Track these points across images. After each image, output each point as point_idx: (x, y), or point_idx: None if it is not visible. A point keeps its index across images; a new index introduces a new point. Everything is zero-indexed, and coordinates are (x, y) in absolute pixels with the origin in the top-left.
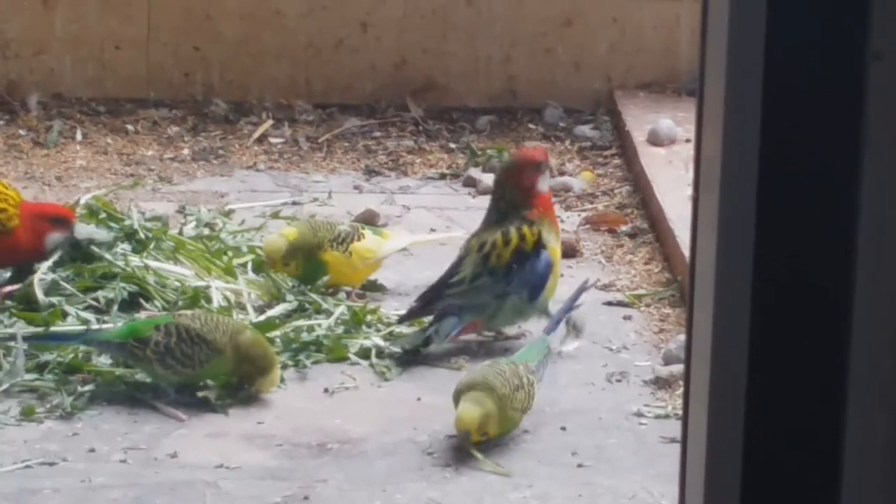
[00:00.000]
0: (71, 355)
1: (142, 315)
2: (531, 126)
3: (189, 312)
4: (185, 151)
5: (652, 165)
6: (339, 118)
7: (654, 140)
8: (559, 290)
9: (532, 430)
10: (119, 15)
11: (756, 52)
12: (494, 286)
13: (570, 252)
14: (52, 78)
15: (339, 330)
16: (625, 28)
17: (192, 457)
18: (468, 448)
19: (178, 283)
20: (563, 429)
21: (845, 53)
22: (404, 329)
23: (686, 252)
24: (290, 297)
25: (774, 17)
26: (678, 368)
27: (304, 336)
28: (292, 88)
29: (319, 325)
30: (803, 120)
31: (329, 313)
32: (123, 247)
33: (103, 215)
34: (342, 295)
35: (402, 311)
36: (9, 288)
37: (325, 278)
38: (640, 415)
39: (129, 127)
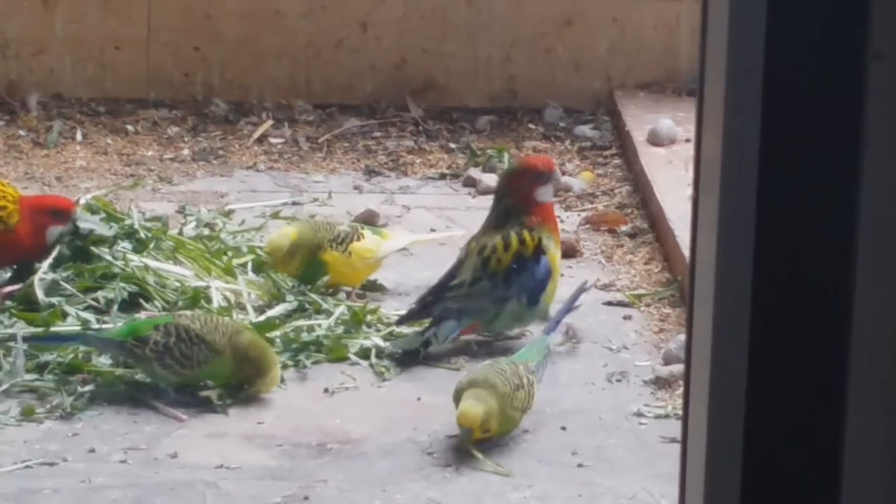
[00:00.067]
0: (71, 355)
1: (142, 315)
2: (531, 126)
3: (189, 313)
4: (185, 151)
5: (652, 165)
6: (339, 118)
7: (654, 140)
8: (559, 291)
9: (532, 429)
10: (119, 15)
11: (756, 52)
12: (494, 291)
13: (570, 252)
14: (52, 78)
15: (339, 330)
16: (625, 28)
17: (192, 457)
18: (469, 445)
19: (178, 284)
20: (564, 429)
21: (845, 53)
22: (403, 330)
23: (686, 252)
24: (290, 297)
25: (774, 17)
26: (678, 368)
27: (304, 336)
28: (292, 88)
29: (319, 325)
30: (803, 120)
31: (329, 313)
32: (123, 246)
33: (103, 215)
34: (342, 295)
35: (402, 311)
36: (9, 288)
37: (325, 278)
38: (640, 415)
39: (129, 127)
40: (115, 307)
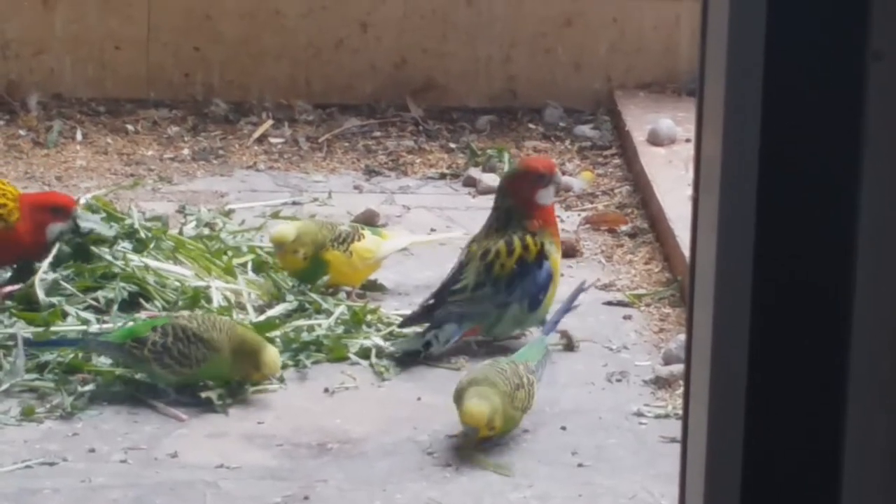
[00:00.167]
0: (71, 355)
1: (142, 315)
2: (531, 126)
3: (186, 313)
4: (185, 151)
5: (652, 165)
6: (339, 118)
7: (654, 140)
8: (558, 291)
9: (532, 429)
10: (119, 15)
11: (756, 52)
12: (496, 296)
13: (570, 252)
14: (52, 78)
15: (339, 330)
16: (625, 28)
17: (192, 457)
18: (473, 444)
19: (178, 283)
20: (564, 428)
21: (845, 53)
22: (404, 331)
23: (686, 252)
24: (290, 296)
25: (774, 17)
26: (678, 368)
27: (304, 336)
28: (292, 88)
29: (319, 325)
30: (803, 120)
31: (329, 313)
32: (123, 246)
33: (103, 215)
34: (342, 295)
35: (402, 311)
36: (9, 288)
37: (325, 278)
38: (640, 414)
39: (129, 127)
40: (115, 307)
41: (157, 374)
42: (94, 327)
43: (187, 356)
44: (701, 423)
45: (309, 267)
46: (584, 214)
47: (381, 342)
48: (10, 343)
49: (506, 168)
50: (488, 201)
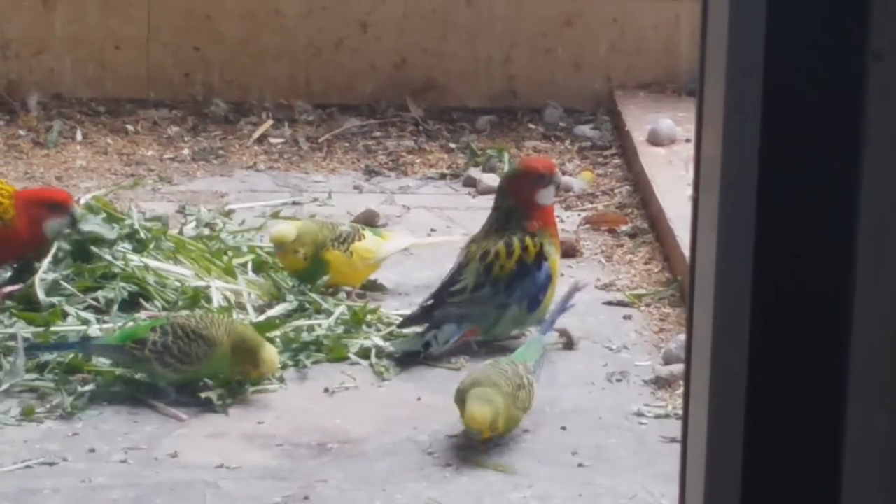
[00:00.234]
0: (71, 355)
1: (142, 315)
2: (531, 126)
3: (184, 313)
4: (185, 151)
5: (652, 165)
6: (339, 118)
7: (654, 140)
8: (557, 291)
9: (532, 429)
10: (119, 15)
11: (756, 52)
12: (496, 297)
13: (570, 252)
14: (52, 78)
15: (340, 330)
16: (625, 28)
17: (192, 457)
18: (476, 446)
19: (178, 284)
20: (564, 428)
21: (845, 53)
22: (404, 331)
23: (686, 252)
24: (290, 296)
25: (774, 17)
26: (678, 368)
27: (305, 336)
28: (292, 88)
29: (319, 325)
30: (803, 120)
31: (329, 313)
32: (124, 247)
33: (103, 215)
34: (342, 295)
35: (403, 311)
36: (9, 288)
37: (325, 278)
38: (640, 414)
39: (129, 127)
40: (115, 307)
41: (159, 373)
42: (94, 327)
43: (188, 354)
44: (701, 423)
45: (309, 267)
46: (584, 214)
47: (381, 342)
48: (11, 343)
49: (506, 168)
50: (488, 201)
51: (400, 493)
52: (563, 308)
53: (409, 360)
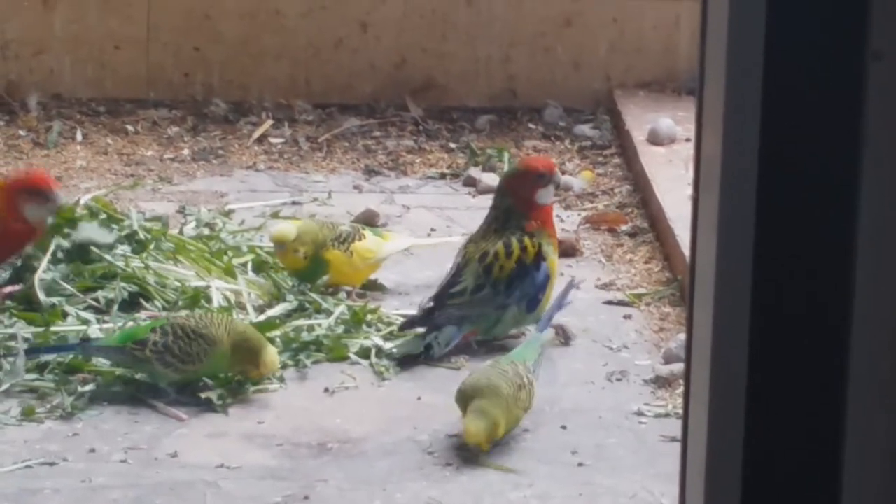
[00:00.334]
0: (71, 355)
1: (142, 315)
2: (531, 126)
3: (184, 314)
4: (185, 151)
5: (652, 165)
6: (338, 118)
7: (654, 139)
8: (555, 290)
9: (532, 429)
10: (119, 15)
11: (756, 51)
12: (496, 298)
13: (570, 251)
14: (52, 78)
15: (340, 329)
16: (624, 28)
17: (192, 457)
18: (478, 454)
19: (178, 284)
20: (564, 428)
21: (845, 53)
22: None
23: (686, 251)
24: (290, 296)
25: (774, 17)
26: (678, 367)
27: (305, 336)
28: (292, 88)
29: (319, 325)
30: (803, 120)
31: (329, 313)
32: (123, 248)
33: (103, 216)
34: (342, 294)
35: (403, 311)
36: (9, 288)
37: (326, 278)
38: (640, 414)
39: (129, 127)
40: (116, 307)
41: (160, 373)
42: (94, 327)
43: (189, 353)
44: (701, 423)
45: (309, 266)
46: (584, 214)
47: (381, 342)
48: (11, 343)
49: (505, 168)
50: (488, 201)
51: (400, 493)
52: (559, 305)
53: (409, 359)
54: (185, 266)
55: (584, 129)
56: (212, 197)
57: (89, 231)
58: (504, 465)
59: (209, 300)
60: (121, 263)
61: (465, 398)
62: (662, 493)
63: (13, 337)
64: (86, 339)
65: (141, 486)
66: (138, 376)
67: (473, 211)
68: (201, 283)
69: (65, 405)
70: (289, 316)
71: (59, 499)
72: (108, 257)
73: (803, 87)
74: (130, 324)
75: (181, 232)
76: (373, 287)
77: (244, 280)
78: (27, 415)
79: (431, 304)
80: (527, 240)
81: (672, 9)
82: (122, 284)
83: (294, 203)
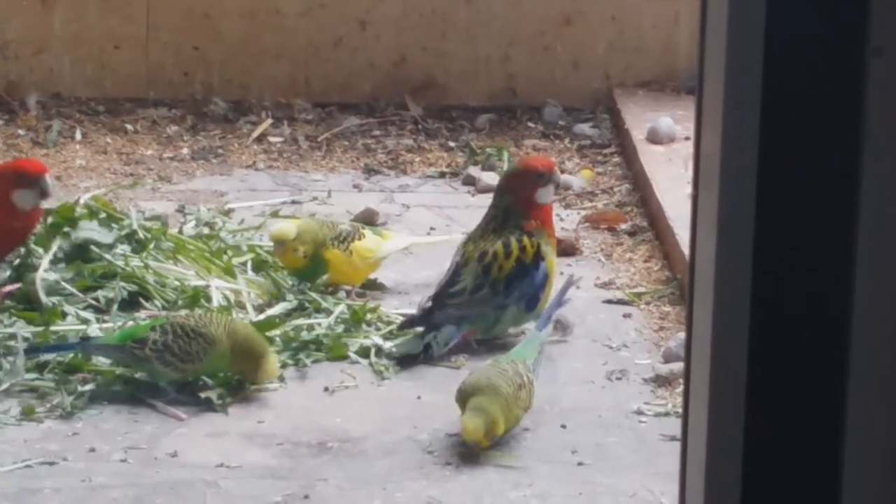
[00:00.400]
0: (71, 355)
1: (142, 314)
2: (530, 125)
3: (184, 313)
4: (185, 151)
5: (651, 163)
6: (338, 117)
7: (654, 138)
8: (554, 289)
9: (532, 428)
10: (119, 14)
11: (755, 48)
12: (495, 298)
13: (569, 250)
14: (52, 78)
15: (339, 329)
16: (624, 26)
17: (192, 456)
18: (479, 452)
19: (177, 283)
20: (564, 427)
21: (845, 49)
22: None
23: (685, 250)
24: (289, 296)
25: (774, 13)
26: (678, 366)
27: (304, 335)
28: (291, 87)
29: (319, 324)
30: (803, 117)
31: (329, 312)
32: (123, 248)
33: (103, 215)
34: (342, 294)
35: (402, 310)
36: (9, 288)
37: (325, 277)
38: (640, 413)
39: (129, 126)
40: (115, 306)
41: (160, 372)
42: (94, 327)
43: (189, 352)
44: (701, 421)
45: (309, 265)
46: (583, 213)
47: (380, 341)
48: (11, 343)
49: (505, 167)
50: (488, 199)
51: (400, 492)
52: (558, 303)
53: (409, 359)
54: (185, 265)
55: (584, 127)
56: (211, 196)
57: (89, 230)
58: (505, 455)
59: (209, 299)
60: (120, 263)
61: (465, 397)
62: (662, 491)
63: (13, 336)
64: (85, 338)
65: (141, 486)
66: (138, 375)
67: (473, 210)
68: (201, 283)
69: (65, 405)
70: (288, 315)
71: (59, 498)
72: (107, 257)
73: (803, 84)
74: (130, 323)
75: (181, 231)
76: (372, 286)
77: (244, 279)
78: (27, 414)
79: (430, 303)
80: (525, 239)
81: (671, 7)
82: (122, 284)
83: (294, 202)
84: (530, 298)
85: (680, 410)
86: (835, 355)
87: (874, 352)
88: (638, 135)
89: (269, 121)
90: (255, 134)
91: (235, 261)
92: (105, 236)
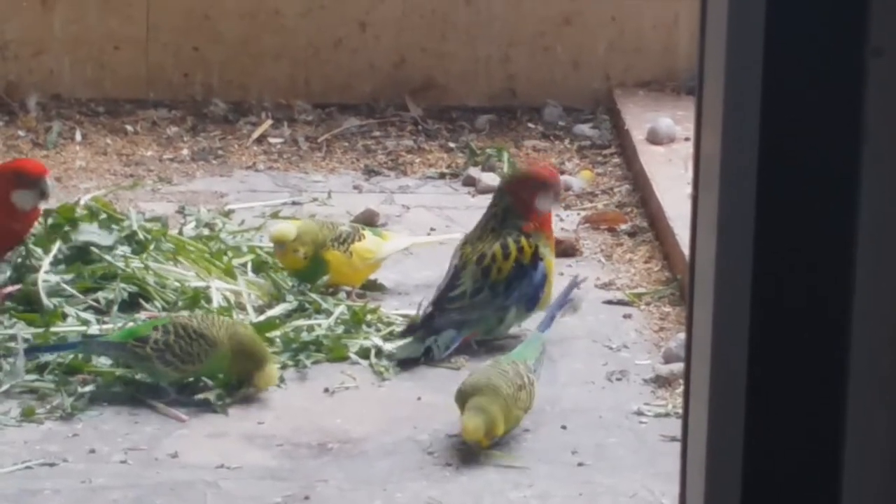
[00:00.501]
0: (71, 356)
1: (142, 315)
2: (530, 125)
3: (185, 314)
4: (185, 152)
5: (651, 164)
6: (338, 118)
7: (654, 139)
8: (553, 293)
9: (532, 428)
10: (118, 15)
11: (755, 49)
12: (495, 300)
13: (569, 251)
14: (52, 79)
15: (339, 330)
16: (624, 27)
17: (192, 457)
18: (480, 452)
19: (177, 284)
20: (564, 427)
21: (845, 50)
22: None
23: (686, 250)
24: (289, 296)
25: (774, 14)
26: (678, 367)
27: (304, 336)
28: (291, 88)
29: (319, 325)
30: (803, 117)
31: (329, 313)
32: (123, 249)
33: (103, 216)
34: (342, 295)
35: (403, 311)
36: (9, 288)
37: (325, 278)
38: (640, 413)
39: (129, 127)
40: (116, 308)
41: (160, 371)
42: (94, 328)
43: (189, 353)
44: (701, 422)
45: (309, 266)
46: (583, 213)
47: (380, 342)
48: (11, 344)
49: (505, 167)
50: (487, 200)
51: (400, 493)
52: (561, 303)
53: (409, 361)
54: (185, 266)
55: (584, 128)
56: (211, 197)
57: (89, 232)
58: (506, 456)
59: (209, 300)
60: (121, 264)
61: (465, 398)
62: (662, 492)
63: (13, 337)
64: (87, 337)
65: (141, 487)
66: (138, 375)
67: (473, 210)
68: (201, 284)
69: (65, 406)
70: (289, 316)
71: (59, 499)
72: (107, 258)
73: (803, 85)
74: (130, 324)
75: (181, 232)
76: (372, 287)
77: (244, 280)
78: (27, 415)
79: (430, 309)
80: (523, 240)
81: (671, 7)
82: (122, 285)
83: (294, 203)
84: (530, 299)
85: (680, 411)
86: (835, 356)
87: (874, 352)
88: (638, 135)
89: (269, 122)
90: (255, 135)
91: (235, 262)
92: (105, 237)
